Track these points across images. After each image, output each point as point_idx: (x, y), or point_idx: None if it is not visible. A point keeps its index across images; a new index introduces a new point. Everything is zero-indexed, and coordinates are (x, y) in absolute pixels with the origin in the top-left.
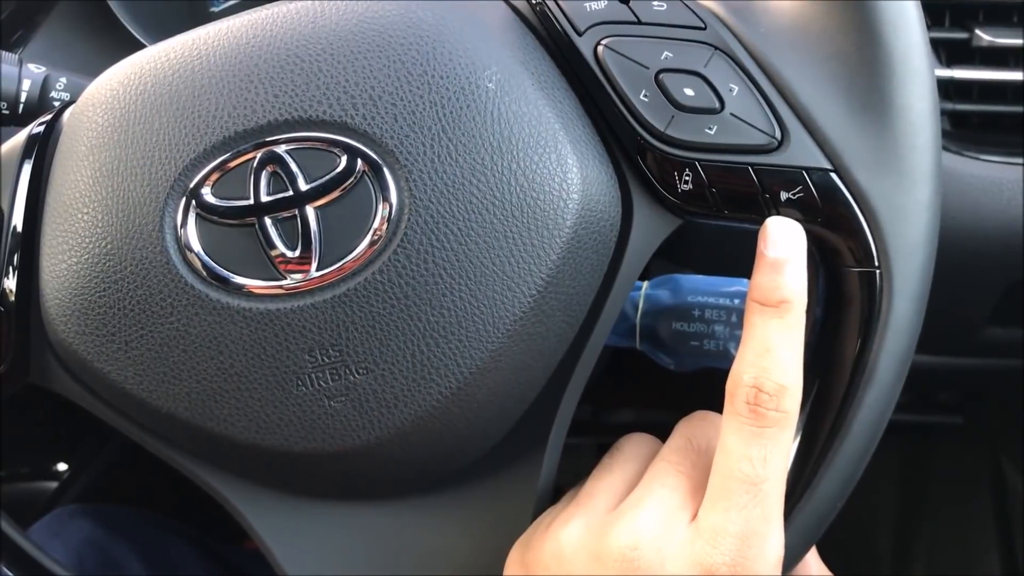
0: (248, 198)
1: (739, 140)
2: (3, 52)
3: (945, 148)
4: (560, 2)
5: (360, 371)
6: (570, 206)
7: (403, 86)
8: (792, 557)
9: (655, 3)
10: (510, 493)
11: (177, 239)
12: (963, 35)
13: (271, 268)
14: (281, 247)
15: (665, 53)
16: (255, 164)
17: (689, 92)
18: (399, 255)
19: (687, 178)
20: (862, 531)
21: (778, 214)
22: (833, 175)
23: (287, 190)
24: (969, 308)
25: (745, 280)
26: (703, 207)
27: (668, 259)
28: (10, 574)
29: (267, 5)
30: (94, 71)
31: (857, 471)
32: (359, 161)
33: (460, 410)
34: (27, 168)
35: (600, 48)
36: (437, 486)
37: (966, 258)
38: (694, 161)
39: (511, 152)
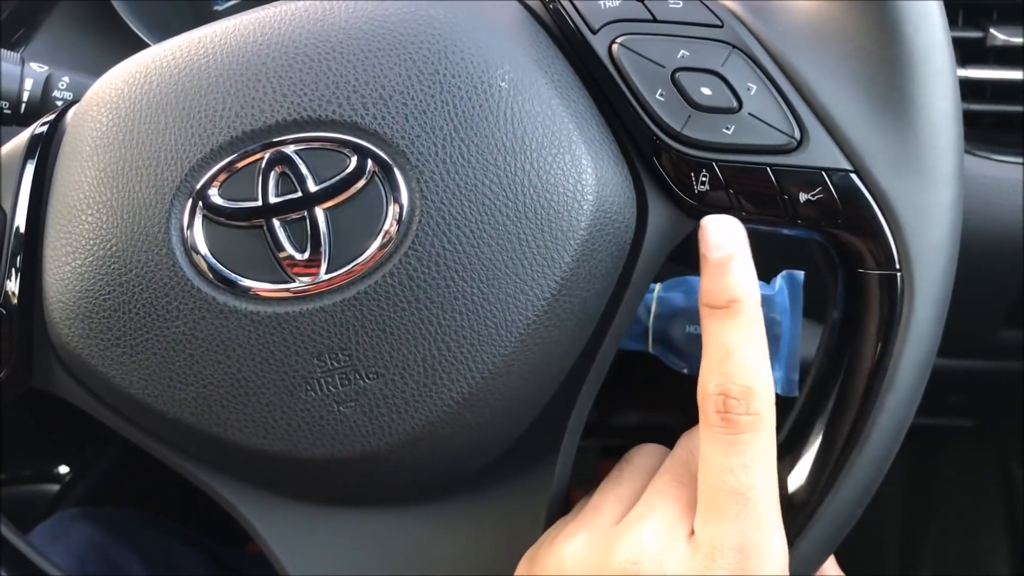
0: (256, 199)
1: (757, 140)
2: (5, 51)
3: None
4: (574, 0)
5: (370, 376)
6: (584, 207)
7: (414, 85)
8: (812, 565)
9: (671, 1)
10: (521, 500)
11: (183, 241)
12: (977, 34)
13: (279, 271)
14: (290, 249)
15: (681, 51)
16: (263, 165)
17: (706, 91)
18: (410, 257)
19: (704, 179)
20: (869, 532)
21: (797, 215)
22: (853, 176)
23: (296, 191)
24: (982, 310)
25: (760, 282)
26: (720, 208)
27: (677, 261)
28: None
29: (274, 3)
30: (97, 70)
31: (877, 477)
32: (369, 162)
33: (471, 415)
34: (30, 168)
35: (615, 46)
36: (447, 492)
37: (979, 260)
38: (711, 161)
39: (524, 152)
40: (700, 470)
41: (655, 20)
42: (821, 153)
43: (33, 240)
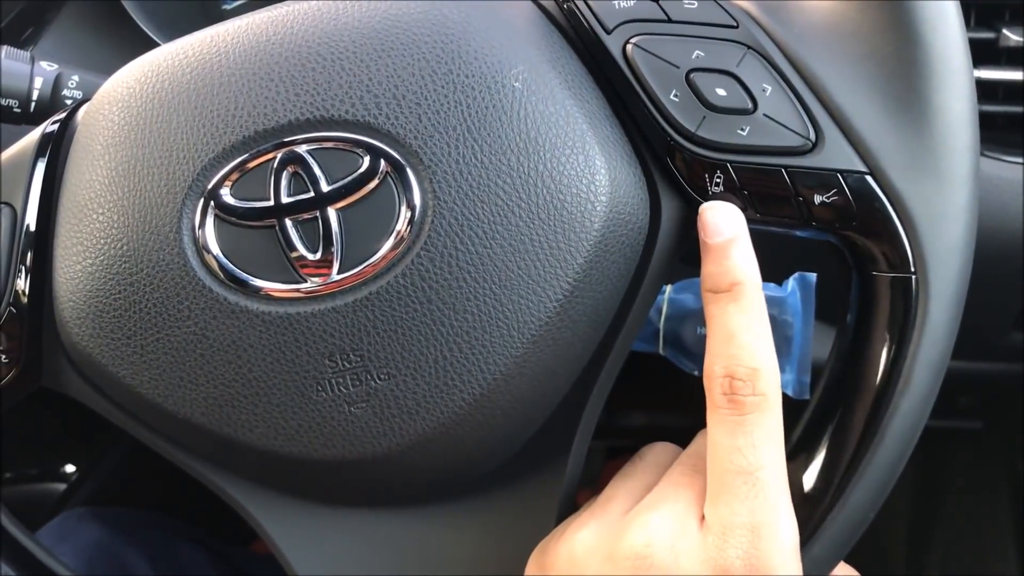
0: (268, 199)
1: (772, 142)
2: (14, 49)
3: None
4: (588, 0)
5: (381, 377)
6: (598, 208)
7: (428, 85)
8: (825, 567)
9: (686, 1)
10: (532, 501)
11: (195, 240)
12: (990, 35)
13: (291, 271)
14: (302, 249)
15: (696, 52)
16: (275, 164)
17: (721, 92)
18: (422, 258)
19: (718, 180)
20: (877, 533)
21: (811, 217)
22: (868, 178)
23: (308, 191)
24: (992, 312)
25: (772, 284)
26: None
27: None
28: None
29: (286, 2)
30: (106, 69)
31: (891, 480)
32: (382, 162)
33: (483, 417)
34: (41, 167)
35: (629, 47)
36: (458, 494)
37: (990, 262)
38: (725, 163)
39: (538, 153)
40: (708, 454)
41: (670, 20)
42: (836, 155)
43: (44, 239)
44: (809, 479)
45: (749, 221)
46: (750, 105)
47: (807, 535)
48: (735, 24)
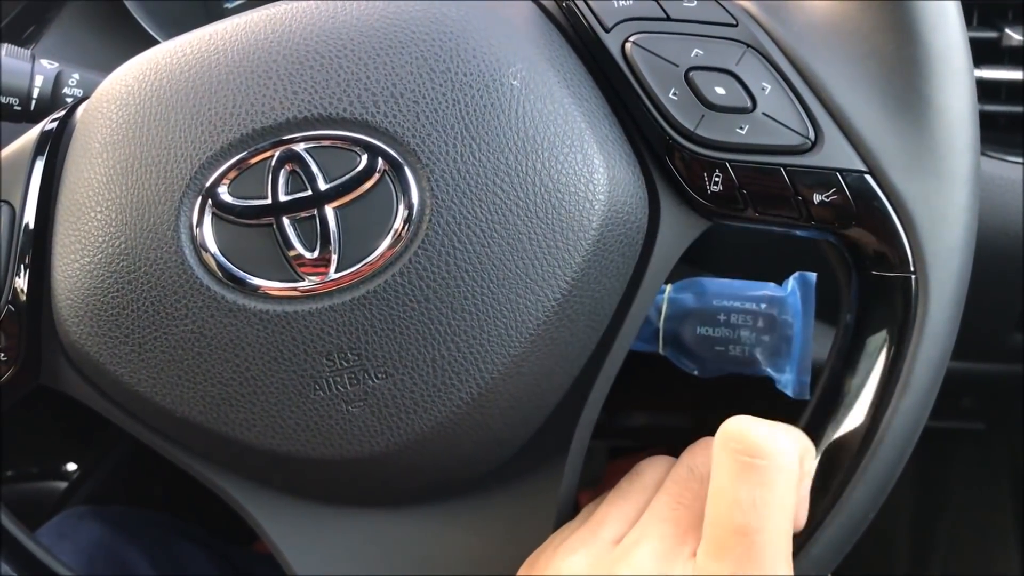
0: (266, 197)
1: (771, 140)
2: (15, 47)
3: None
4: None
5: (379, 376)
6: (596, 207)
7: (426, 83)
8: (823, 568)
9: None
10: (530, 502)
11: (192, 239)
12: (992, 34)
13: (288, 269)
14: (299, 248)
15: (695, 51)
16: (273, 163)
17: (720, 91)
18: (420, 257)
19: (717, 179)
20: (880, 534)
21: (810, 216)
22: (868, 177)
23: (306, 189)
24: (994, 313)
25: (772, 284)
26: (733, 209)
27: (688, 263)
28: None
29: (285, 0)
30: (107, 68)
31: (890, 481)
32: (380, 160)
33: (481, 416)
34: (39, 165)
35: (628, 45)
36: (456, 494)
37: (992, 262)
38: (724, 162)
39: (536, 152)
40: (710, 494)
41: (669, 19)
42: (836, 154)
43: (42, 237)
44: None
45: (748, 220)
46: (749, 104)
47: (806, 536)
48: (734, 23)
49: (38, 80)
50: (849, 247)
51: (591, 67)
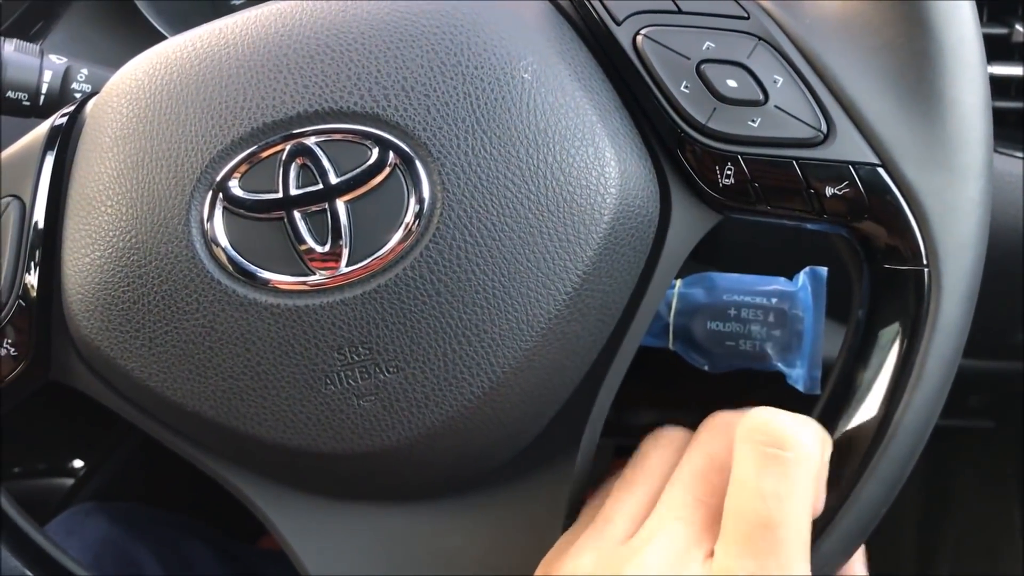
0: (277, 191)
1: (783, 133)
2: (24, 43)
3: None
4: None
5: (390, 370)
6: (607, 201)
7: (436, 77)
8: (834, 564)
9: None
10: (541, 497)
11: (203, 233)
12: (1003, 31)
13: (299, 263)
14: (310, 242)
15: (707, 43)
16: (284, 157)
17: (732, 83)
18: (431, 250)
19: (728, 172)
20: (886, 533)
21: (823, 209)
22: (881, 170)
23: (317, 183)
24: (1003, 310)
25: (783, 279)
26: (745, 203)
27: (699, 260)
28: (29, 574)
29: None
30: (115, 64)
31: (903, 475)
32: (391, 154)
33: (492, 411)
34: (49, 160)
35: (639, 38)
36: (466, 489)
37: (1001, 258)
38: (736, 155)
39: (547, 145)
40: (731, 486)
41: (680, 12)
42: (848, 147)
43: (52, 232)
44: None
45: (760, 214)
46: (761, 97)
47: (818, 531)
48: (746, 15)
49: (47, 75)
50: (861, 241)
51: (602, 61)
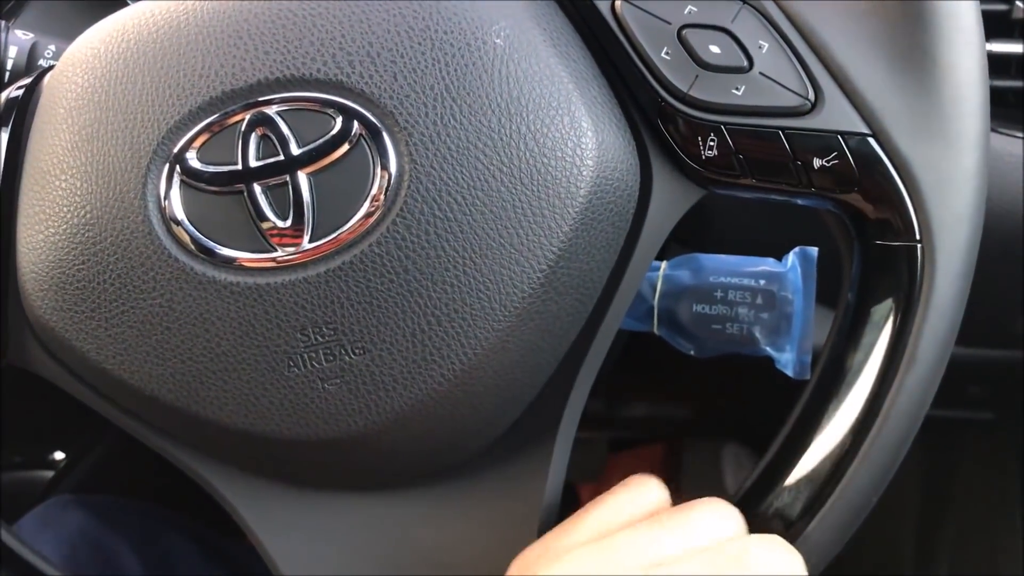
0: (236, 163)
1: (769, 102)
2: None
3: None
4: None
5: (356, 351)
6: (584, 173)
7: (404, 42)
8: (824, 554)
9: None
10: (517, 487)
11: (160, 208)
12: (1003, 7)
13: (261, 239)
14: (271, 217)
15: (688, 7)
16: (244, 126)
17: (715, 49)
18: (398, 226)
19: (712, 143)
20: (885, 530)
21: (811, 182)
22: (871, 140)
23: (278, 154)
24: (1002, 297)
25: (771, 260)
26: (729, 176)
27: (682, 243)
28: None
29: None
30: None
31: (895, 462)
32: (355, 123)
33: (464, 395)
34: (4, 135)
35: (618, 2)
36: (439, 478)
37: (1001, 243)
38: (719, 125)
39: (520, 114)
40: None
41: None
42: (837, 116)
43: (7, 208)
44: (809, 461)
45: (745, 188)
46: (745, 63)
47: (806, 520)
48: None
49: (12, 51)
50: (851, 216)
51: (579, 26)
